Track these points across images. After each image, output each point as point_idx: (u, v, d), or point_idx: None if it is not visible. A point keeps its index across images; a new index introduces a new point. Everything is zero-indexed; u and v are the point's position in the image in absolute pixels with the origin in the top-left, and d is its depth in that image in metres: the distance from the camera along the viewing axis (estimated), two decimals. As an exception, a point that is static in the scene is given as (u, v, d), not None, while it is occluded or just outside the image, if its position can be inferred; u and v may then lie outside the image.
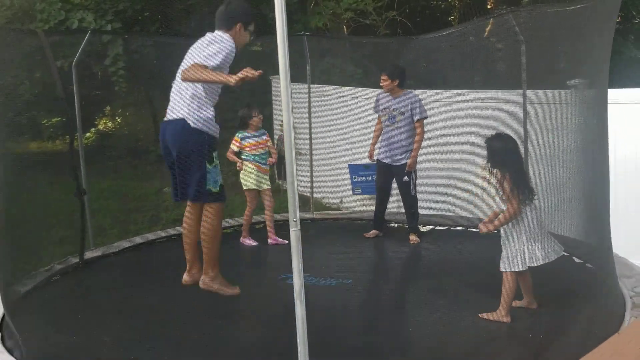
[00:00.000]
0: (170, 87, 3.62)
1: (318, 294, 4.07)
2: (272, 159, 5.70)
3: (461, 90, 6.61)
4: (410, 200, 5.49)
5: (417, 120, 5.32)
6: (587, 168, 4.13)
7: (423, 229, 5.82)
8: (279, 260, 4.74)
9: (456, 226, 5.91)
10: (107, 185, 9.28)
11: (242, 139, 5.48)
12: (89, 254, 5.25)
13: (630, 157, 5.43)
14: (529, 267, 3.58)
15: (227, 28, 3.57)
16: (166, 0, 10.39)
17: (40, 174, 8.05)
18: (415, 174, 5.45)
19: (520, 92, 5.45)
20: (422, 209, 6.02)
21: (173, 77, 3.60)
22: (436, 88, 6.68)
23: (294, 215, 2.32)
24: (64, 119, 10.09)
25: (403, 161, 5.37)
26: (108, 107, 13.12)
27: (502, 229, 3.67)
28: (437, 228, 5.96)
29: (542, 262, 3.55)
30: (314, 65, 7.64)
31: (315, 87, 7.22)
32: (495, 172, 3.62)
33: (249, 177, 5.52)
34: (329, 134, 7.57)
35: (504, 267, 3.63)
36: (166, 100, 3.62)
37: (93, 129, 12.82)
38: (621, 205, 4.88)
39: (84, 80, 9.47)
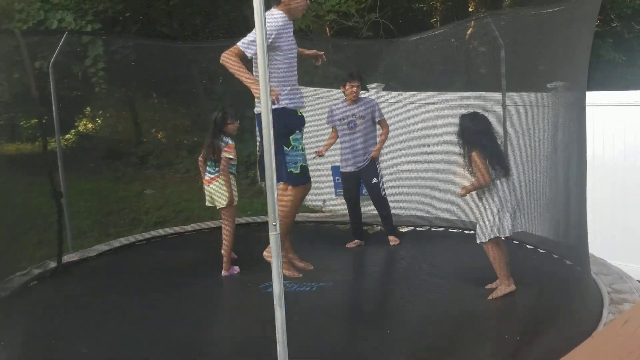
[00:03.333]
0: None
1: (299, 299, 4.03)
2: None
3: (442, 92, 6.64)
4: (381, 202, 5.41)
5: (380, 120, 5.34)
6: (565, 170, 4.18)
7: (403, 229, 5.83)
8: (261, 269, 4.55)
9: (437, 227, 5.93)
10: (87, 187, 9.17)
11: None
12: (67, 258, 5.18)
13: (607, 160, 5.50)
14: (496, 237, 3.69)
15: (276, 2, 3.47)
16: (147, 0, 10.30)
17: (19, 175, 7.94)
18: (381, 175, 5.41)
19: (499, 94, 5.49)
20: (403, 210, 6.03)
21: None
22: (417, 90, 6.71)
23: (274, 219, 2.31)
24: (43, 120, 9.97)
25: (368, 160, 5.33)
26: (88, 109, 12.98)
27: (479, 201, 3.79)
28: (417, 229, 5.97)
29: (508, 234, 3.69)
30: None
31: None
32: (466, 148, 3.76)
33: (235, 190, 4.72)
34: (312, 136, 7.54)
35: (478, 238, 3.76)
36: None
37: (73, 130, 12.68)
38: (598, 208, 4.94)
39: (63, 81, 9.39)
